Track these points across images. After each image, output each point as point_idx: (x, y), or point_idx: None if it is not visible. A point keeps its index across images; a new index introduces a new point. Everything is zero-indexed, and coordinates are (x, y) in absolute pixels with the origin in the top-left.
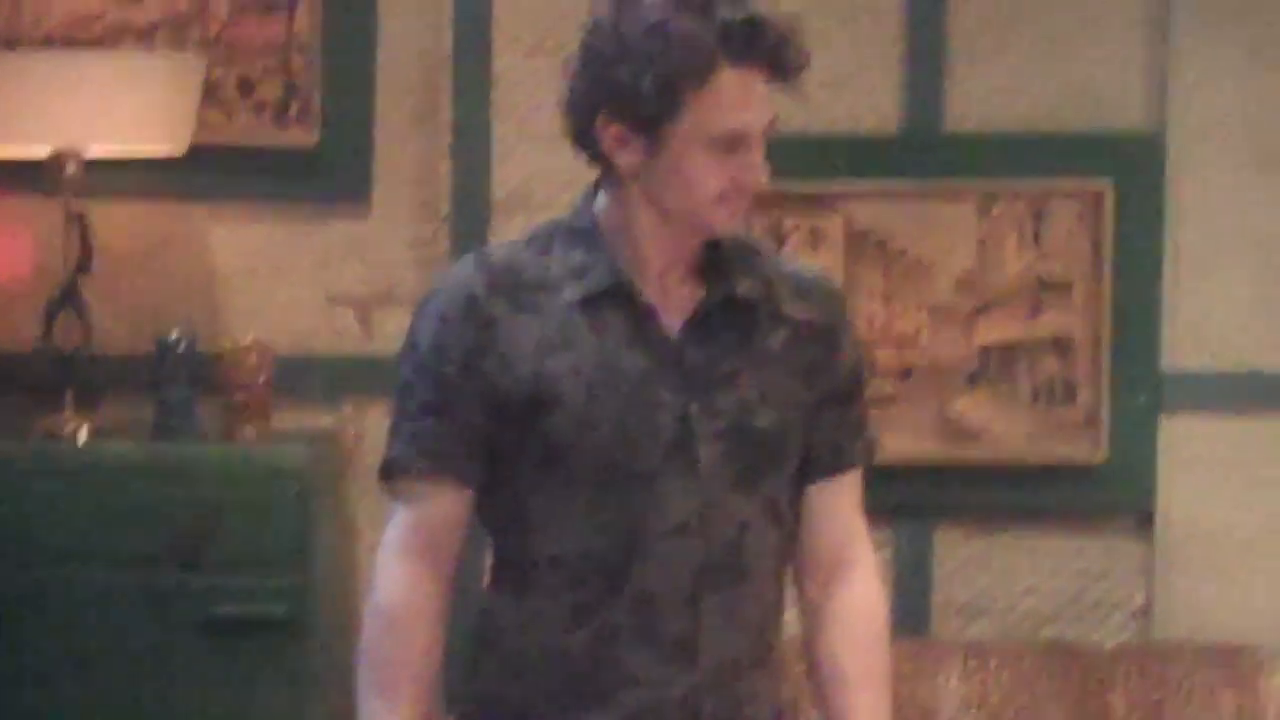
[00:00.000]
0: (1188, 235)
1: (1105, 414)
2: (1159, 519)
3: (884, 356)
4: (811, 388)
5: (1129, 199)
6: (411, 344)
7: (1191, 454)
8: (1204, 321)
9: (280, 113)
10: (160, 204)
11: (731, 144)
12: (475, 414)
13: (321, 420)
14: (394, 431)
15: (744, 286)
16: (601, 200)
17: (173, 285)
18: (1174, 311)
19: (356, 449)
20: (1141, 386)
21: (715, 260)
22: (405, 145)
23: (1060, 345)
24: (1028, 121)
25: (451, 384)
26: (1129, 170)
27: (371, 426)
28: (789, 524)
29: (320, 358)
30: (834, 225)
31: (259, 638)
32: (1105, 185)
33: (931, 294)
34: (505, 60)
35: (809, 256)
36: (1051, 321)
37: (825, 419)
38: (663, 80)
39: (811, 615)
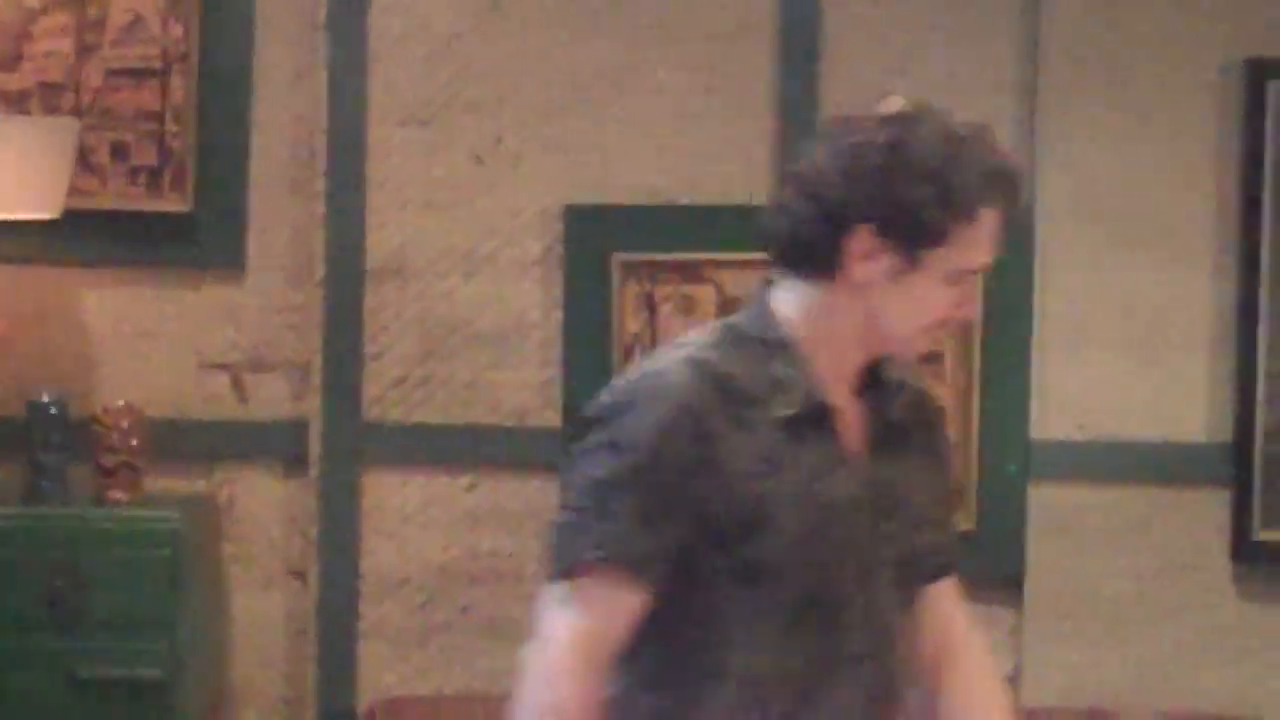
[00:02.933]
0: (1056, 306)
1: (975, 483)
2: (1028, 586)
3: None
4: (943, 501)
5: (998, 271)
6: (617, 444)
7: (1060, 522)
8: (1072, 392)
9: (154, 178)
10: (33, 268)
11: (962, 278)
12: (684, 528)
13: (194, 484)
14: (581, 529)
15: (899, 406)
16: (791, 309)
17: (45, 349)
18: (1042, 382)
19: (228, 513)
20: (1011, 456)
21: (868, 377)
22: (279, 212)
23: None
24: None
25: (667, 497)
26: (998, 243)
27: (243, 491)
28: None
29: (193, 422)
30: (705, 293)
31: (129, 700)
32: None
33: None
34: (380, 130)
35: (680, 324)
36: None
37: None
38: (945, 209)
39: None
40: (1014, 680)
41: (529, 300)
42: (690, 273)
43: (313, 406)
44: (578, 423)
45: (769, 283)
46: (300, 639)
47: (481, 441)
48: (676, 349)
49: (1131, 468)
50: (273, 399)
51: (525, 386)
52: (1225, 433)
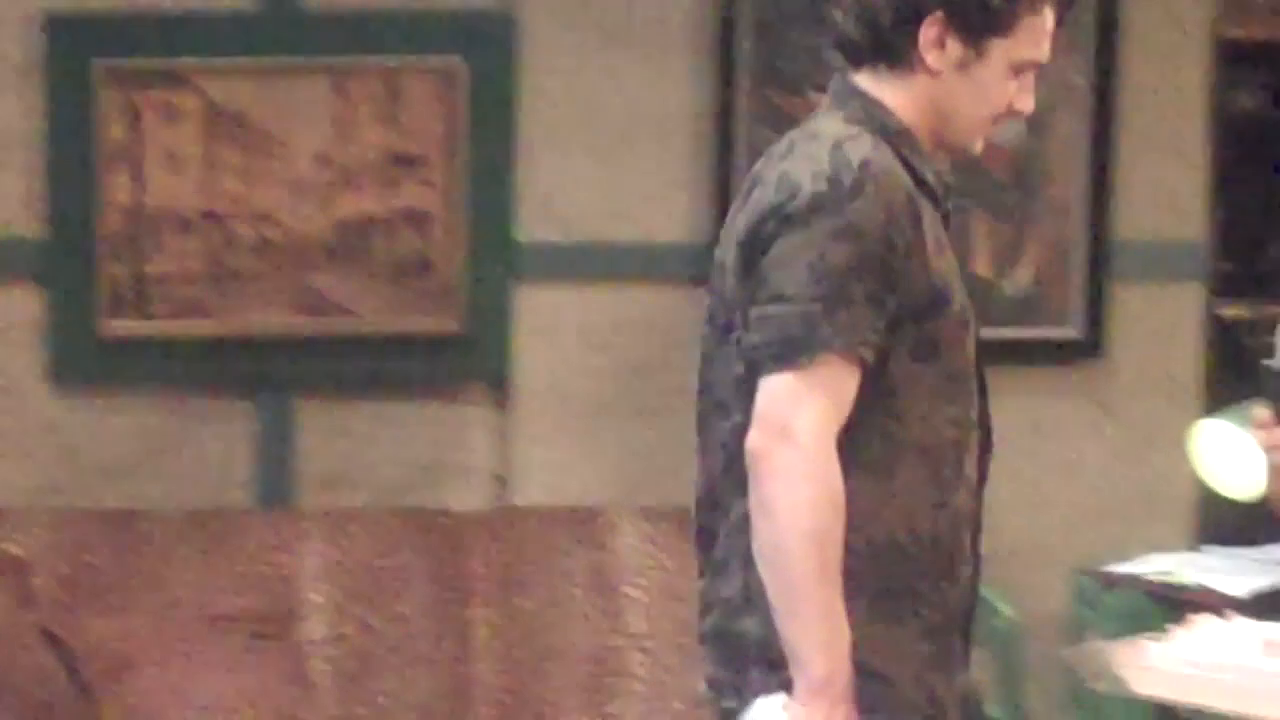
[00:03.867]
0: (539, 111)
1: (461, 285)
2: (514, 387)
3: (244, 231)
4: None
5: (482, 75)
6: (850, 227)
7: (544, 322)
8: (554, 195)
9: None
10: None
11: (1023, 71)
12: (894, 308)
13: None
14: (823, 317)
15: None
16: (889, 101)
17: None
18: (526, 185)
19: None
20: (496, 258)
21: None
22: None
23: (417, 219)
24: None
25: (892, 278)
26: (481, 47)
27: None
28: None
29: None
30: (191, 102)
31: None
32: (458, 63)
33: (289, 170)
34: None
35: (165, 133)
36: (408, 196)
37: None
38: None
39: None
40: (501, 480)
41: (10, 109)
42: (175, 80)
43: None
44: (771, 214)
45: (846, 80)
46: None
47: None
48: (853, 139)
49: (611, 268)
50: None
51: (7, 196)
52: (704, 233)
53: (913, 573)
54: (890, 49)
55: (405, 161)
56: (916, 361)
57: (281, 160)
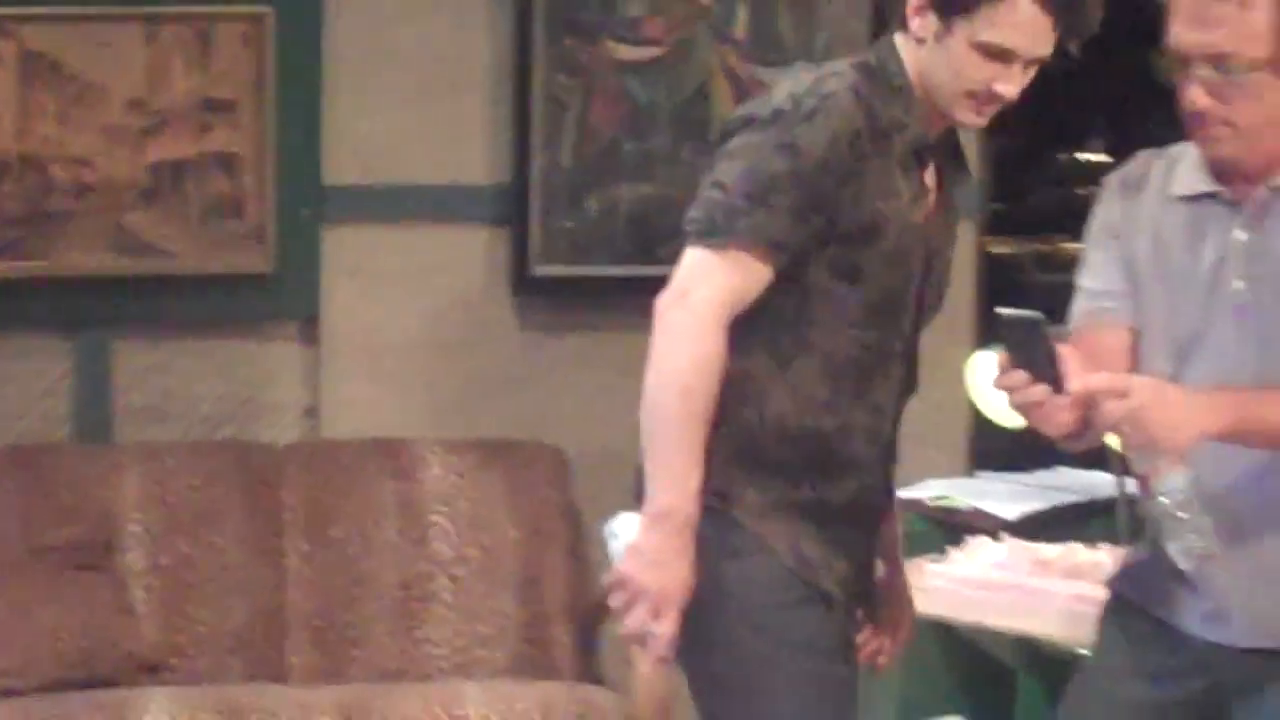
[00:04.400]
0: (346, 57)
1: (271, 227)
2: (323, 325)
3: (60, 174)
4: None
5: (290, 23)
6: (791, 145)
7: (352, 263)
8: (361, 139)
9: None
10: None
11: (999, 56)
12: (819, 227)
13: None
14: (742, 211)
15: (959, 168)
16: (906, 60)
17: None
18: (333, 130)
19: None
20: (305, 200)
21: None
22: None
23: (227, 162)
24: None
25: (818, 199)
26: None
27: None
28: None
29: None
30: (7, 48)
31: None
32: (267, 10)
33: (104, 115)
34: None
35: None
36: (219, 139)
37: None
38: None
39: None
40: (312, 415)
41: None
42: None
43: None
44: (742, 117)
45: (890, 35)
46: None
47: None
48: (835, 74)
49: (416, 209)
50: None
51: None
52: (504, 174)
53: (792, 455)
54: (898, 13)
55: (216, 107)
56: (836, 279)
57: (96, 105)
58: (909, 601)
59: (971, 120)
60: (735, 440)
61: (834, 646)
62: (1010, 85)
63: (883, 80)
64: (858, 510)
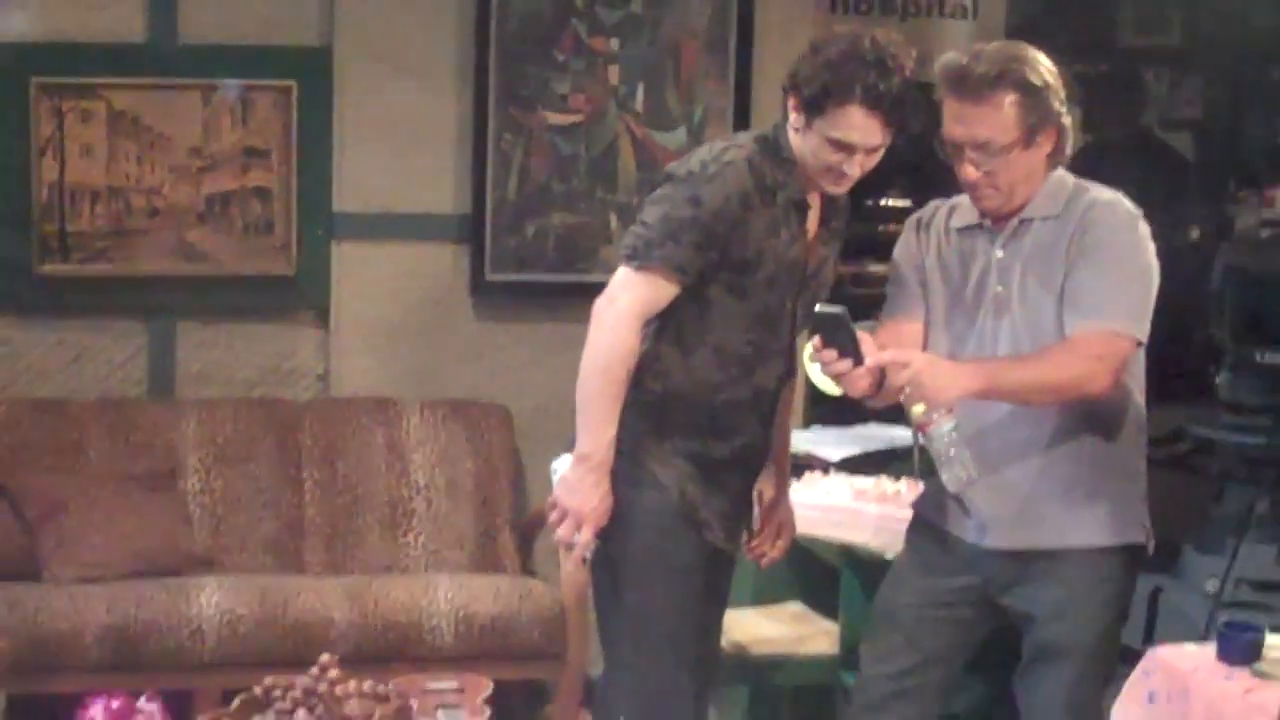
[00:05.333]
0: (350, 118)
1: (293, 242)
2: (332, 314)
3: (138, 201)
4: (833, 272)
5: (309, 92)
6: (696, 198)
7: (354, 269)
8: (361, 178)
9: None
10: None
11: (843, 148)
12: (714, 257)
13: None
14: (657, 244)
15: (838, 216)
16: (791, 135)
17: None
18: (341, 171)
19: None
20: (319, 223)
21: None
22: None
23: (262, 194)
24: (243, 35)
25: (714, 239)
26: (309, 73)
27: None
28: None
29: None
30: (99, 108)
31: None
32: (292, 83)
33: (171, 158)
34: None
35: (80, 130)
36: (256, 177)
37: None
38: (823, 92)
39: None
40: (324, 379)
41: None
42: (87, 93)
43: None
44: (666, 174)
45: (785, 116)
46: None
47: None
48: (737, 146)
49: (403, 231)
50: None
51: None
52: (466, 206)
53: (685, 419)
54: (783, 104)
55: (253, 153)
56: (729, 295)
57: (165, 151)
58: (790, 519)
59: (831, 189)
60: (645, 405)
61: (696, 561)
62: (853, 168)
63: (774, 152)
64: (737, 462)
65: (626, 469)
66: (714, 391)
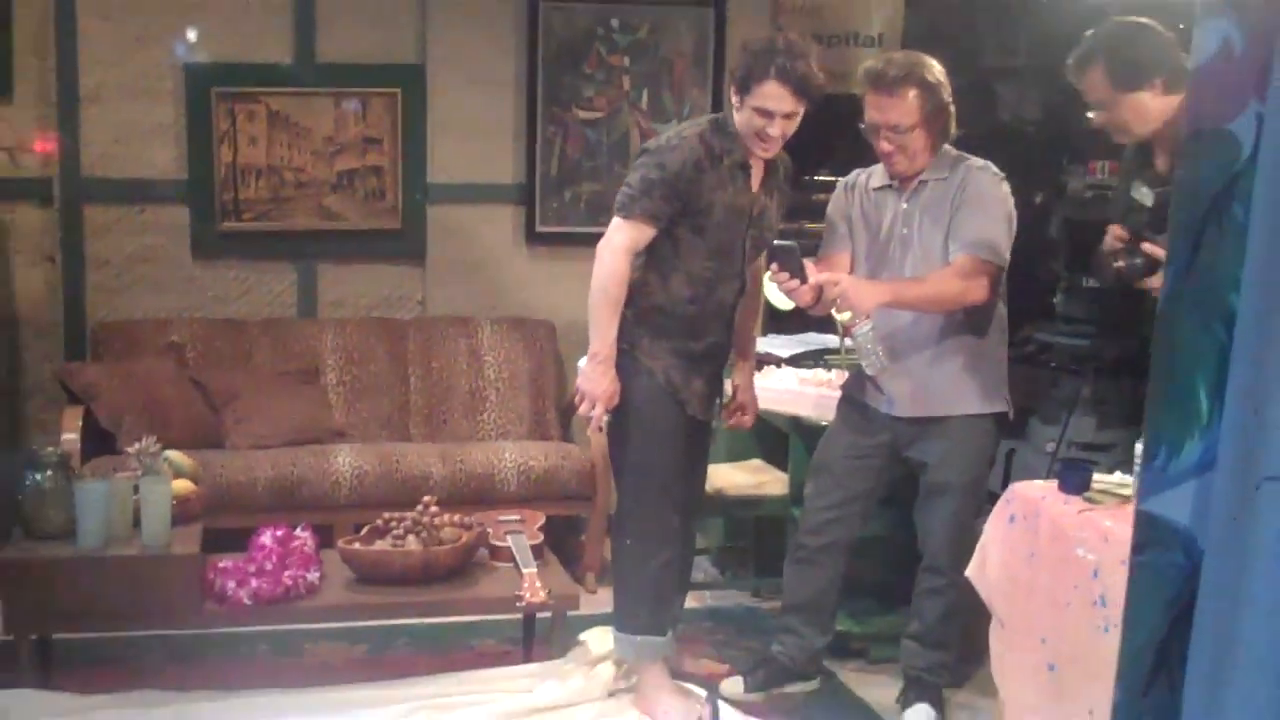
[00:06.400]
0: (439, 117)
1: (400, 205)
2: (428, 257)
3: (288, 176)
4: (779, 218)
5: (410, 96)
6: (662, 164)
7: (442, 225)
8: (448, 158)
9: None
10: None
11: (765, 115)
12: (678, 206)
13: None
14: (637, 199)
15: (778, 177)
16: (734, 115)
17: None
18: (433, 153)
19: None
20: (418, 190)
21: (770, 161)
22: None
23: (377, 171)
24: (362, 56)
25: (677, 193)
26: (409, 83)
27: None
28: None
29: None
30: (260, 109)
31: None
32: (397, 90)
33: (311, 145)
34: None
35: (248, 126)
36: (373, 159)
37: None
38: (748, 74)
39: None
40: (423, 304)
41: (168, 113)
42: (251, 98)
43: None
44: (643, 149)
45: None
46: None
47: None
48: (695, 124)
49: (478, 196)
50: None
51: (167, 158)
52: (521, 177)
53: (669, 324)
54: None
55: (371, 140)
56: (692, 234)
57: (307, 139)
58: (755, 399)
59: (760, 152)
60: (638, 316)
61: (679, 428)
62: (775, 129)
63: (722, 128)
64: (708, 355)
65: (627, 362)
66: (687, 305)
